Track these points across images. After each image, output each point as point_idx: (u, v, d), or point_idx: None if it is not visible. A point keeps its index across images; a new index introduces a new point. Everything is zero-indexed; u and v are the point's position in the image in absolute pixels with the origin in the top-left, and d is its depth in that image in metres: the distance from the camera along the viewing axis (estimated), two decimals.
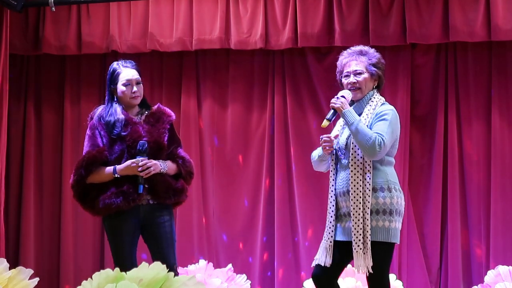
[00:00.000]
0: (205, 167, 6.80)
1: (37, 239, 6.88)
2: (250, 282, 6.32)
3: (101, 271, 3.07)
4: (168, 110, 4.77)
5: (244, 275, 6.34)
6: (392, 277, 6.00)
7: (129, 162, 4.50)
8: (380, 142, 4.17)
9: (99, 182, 4.55)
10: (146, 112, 4.70)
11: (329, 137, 4.32)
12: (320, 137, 4.36)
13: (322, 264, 4.27)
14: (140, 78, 4.68)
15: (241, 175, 6.75)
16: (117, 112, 4.60)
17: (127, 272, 3.00)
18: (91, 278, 3.08)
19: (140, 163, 4.47)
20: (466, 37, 6.29)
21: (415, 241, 6.43)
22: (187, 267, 6.33)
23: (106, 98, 4.69)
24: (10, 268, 5.49)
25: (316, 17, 6.44)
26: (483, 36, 6.25)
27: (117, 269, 3.05)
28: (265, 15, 6.52)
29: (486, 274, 6.06)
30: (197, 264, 6.34)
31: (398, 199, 4.24)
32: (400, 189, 4.31)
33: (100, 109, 4.68)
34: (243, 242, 6.72)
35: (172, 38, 6.64)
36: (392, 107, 4.37)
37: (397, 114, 4.36)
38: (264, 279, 6.65)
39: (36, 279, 5.45)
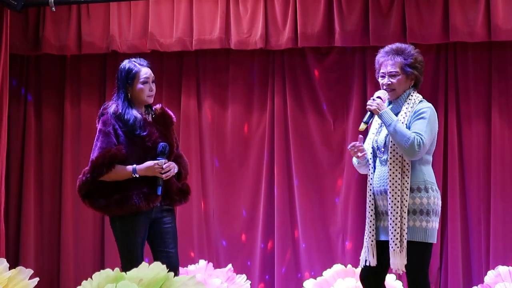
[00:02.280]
0: (205, 167, 6.80)
1: (37, 239, 6.88)
2: (250, 282, 6.32)
3: (101, 271, 3.07)
4: (169, 111, 4.78)
5: (244, 275, 6.34)
6: (392, 277, 6.00)
7: (151, 163, 4.49)
8: (419, 142, 4.16)
9: (114, 180, 4.52)
10: (152, 112, 4.69)
11: (354, 146, 4.31)
12: (348, 148, 4.36)
13: (367, 264, 4.30)
14: (154, 77, 4.70)
15: (241, 175, 6.75)
16: (133, 111, 4.58)
17: (127, 272, 3.00)
18: (91, 278, 3.08)
19: (164, 165, 4.48)
20: (466, 37, 6.29)
21: None
22: (187, 267, 6.33)
23: (121, 96, 4.61)
24: (10, 268, 5.49)
25: (316, 17, 6.44)
26: (483, 36, 6.25)
27: (117, 269, 3.05)
28: (265, 15, 6.52)
29: (486, 274, 6.06)
30: (197, 264, 6.34)
31: (435, 199, 4.25)
32: (437, 188, 4.31)
33: (113, 106, 4.60)
34: (243, 242, 6.72)
35: (172, 38, 6.64)
36: (430, 105, 4.36)
37: (435, 112, 4.35)
38: (264, 279, 6.65)
39: (36, 279, 5.45)
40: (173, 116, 4.76)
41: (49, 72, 7.03)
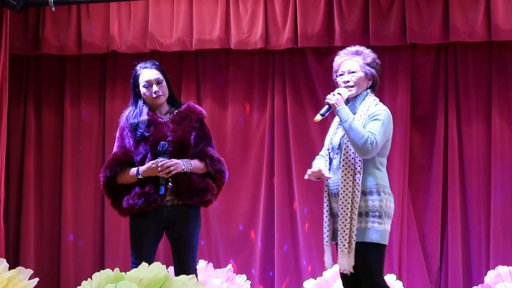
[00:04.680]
0: None
1: (37, 239, 6.88)
2: (250, 282, 6.32)
3: (101, 271, 3.07)
4: (198, 107, 4.74)
5: (244, 275, 6.34)
6: (392, 277, 6.00)
7: (150, 163, 4.51)
8: (373, 141, 4.20)
9: (125, 182, 4.58)
10: (174, 111, 4.68)
11: (310, 175, 4.41)
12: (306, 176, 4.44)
13: (326, 266, 4.41)
14: (161, 77, 4.65)
15: (241, 175, 6.75)
16: (143, 113, 4.62)
17: (127, 273, 3.00)
18: (91, 278, 3.08)
19: (159, 164, 4.47)
20: (466, 37, 6.29)
21: (415, 241, 6.43)
22: None
23: (132, 99, 4.72)
24: (10, 268, 5.49)
25: (316, 17, 6.43)
26: (483, 36, 6.25)
27: (117, 269, 3.06)
28: (265, 15, 6.52)
29: (486, 274, 6.06)
30: (197, 264, 6.33)
31: (388, 202, 4.31)
32: (390, 192, 4.37)
33: (126, 111, 4.71)
34: (243, 242, 6.72)
35: (172, 38, 6.64)
36: (385, 108, 4.39)
37: (391, 115, 4.37)
38: (264, 279, 6.65)
39: (36, 279, 5.45)
40: (201, 112, 4.70)
41: (49, 72, 7.03)
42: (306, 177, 4.48)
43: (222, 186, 4.73)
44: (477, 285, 6.12)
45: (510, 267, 5.97)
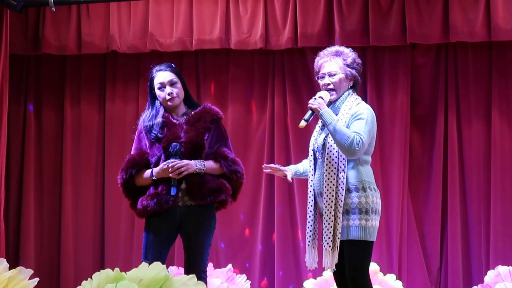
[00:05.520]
0: None
1: (37, 239, 6.88)
2: (250, 282, 6.32)
3: (101, 271, 3.07)
4: (215, 109, 4.72)
5: (244, 275, 6.34)
6: (392, 277, 6.00)
7: (162, 164, 4.52)
8: (359, 141, 4.20)
9: (142, 184, 4.61)
10: (191, 113, 4.68)
11: (266, 167, 4.57)
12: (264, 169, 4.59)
13: (308, 267, 4.43)
14: (175, 79, 4.64)
15: None
16: (159, 115, 4.63)
17: (127, 273, 3.00)
18: (91, 278, 3.08)
19: (169, 165, 4.47)
20: (466, 37, 6.29)
21: (415, 241, 6.43)
22: None
23: (148, 102, 4.73)
24: (10, 268, 5.49)
25: (316, 17, 6.43)
26: (483, 36, 6.25)
27: (117, 269, 3.06)
28: (265, 15, 6.52)
29: (486, 274, 6.06)
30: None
31: (374, 197, 4.29)
32: (376, 187, 4.35)
33: (145, 113, 4.72)
34: (243, 242, 6.72)
35: (172, 38, 6.64)
36: (367, 106, 4.38)
37: (373, 113, 4.37)
38: (264, 279, 6.65)
39: (36, 279, 5.45)
40: (216, 113, 4.68)
41: (49, 72, 7.03)
42: (263, 167, 4.59)
43: (239, 187, 4.71)
44: (477, 285, 6.12)
45: (510, 267, 5.97)
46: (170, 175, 4.48)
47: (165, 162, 4.51)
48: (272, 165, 4.60)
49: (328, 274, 6.06)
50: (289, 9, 6.47)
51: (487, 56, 6.47)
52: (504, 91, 6.43)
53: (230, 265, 6.37)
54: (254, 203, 6.72)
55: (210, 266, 6.31)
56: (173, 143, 4.54)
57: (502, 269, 5.97)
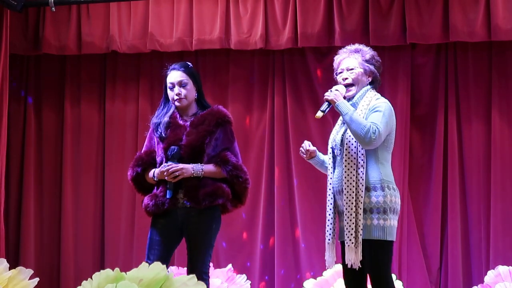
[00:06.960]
0: None
1: (37, 239, 6.88)
2: (250, 282, 6.32)
3: (101, 271, 3.07)
4: (223, 111, 4.64)
5: (244, 275, 6.34)
6: (392, 277, 5.99)
7: (161, 167, 4.52)
8: (375, 130, 4.18)
9: (151, 183, 4.63)
10: (198, 114, 4.64)
11: (303, 149, 4.46)
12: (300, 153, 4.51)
13: (327, 265, 4.38)
14: (185, 80, 4.59)
15: None
16: (167, 114, 4.62)
17: (127, 273, 3.00)
18: (91, 278, 3.08)
19: (164, 169, 4.47)
20: (466, 37, 6.29)
21: (415, 241, 6.43)
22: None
23: (162, 99, 4.72)
24: (10, 268, 5.49)
25: (316, 17, 6.44)
26: (483, 36, 6.25)
27: (117, 269, 3.06)
28: (265, 15, 6.52)
29: (486, 274, 6.06)
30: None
31: (392, 197, 4.27)
32: (395, 187, 4.34)
33: (157, 111, 4.73)
34: (243, 242, 6.72)
35: (172, 38, 6.64)
36: (386, 100, 4.38)
37: (392, 108, 4.36)
38: (264, 279, 6.65)
39: (36, 279, 5.45)
40: (224, 116, 4.60)
41: (49, 72, 7.03)
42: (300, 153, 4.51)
43: (244, 191, 4.63)
44: (477, 285, 6.12)
45: (510, 267, 5.97)
46: (166, 178, 4.48)
47: (162, 165, 4.51)
48: (308, 148, 4.48)
49: (329, 274, 6.07)
50: (289, 9, 6.48)
51: (487, 56, 6.48)
52: (504, 91, 6.43)
53: (230, 265, 6.37)
54: (254, 203, 6.71)
55: (210, 266, 6.31)
56: (172, 146, 4.52)
57: (502, 269, 5.97)
